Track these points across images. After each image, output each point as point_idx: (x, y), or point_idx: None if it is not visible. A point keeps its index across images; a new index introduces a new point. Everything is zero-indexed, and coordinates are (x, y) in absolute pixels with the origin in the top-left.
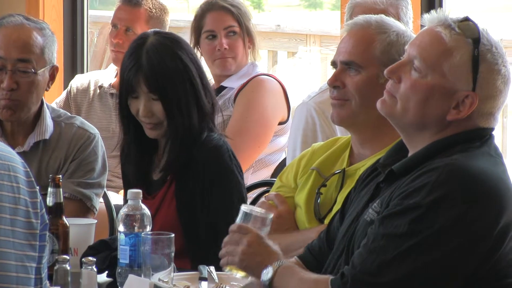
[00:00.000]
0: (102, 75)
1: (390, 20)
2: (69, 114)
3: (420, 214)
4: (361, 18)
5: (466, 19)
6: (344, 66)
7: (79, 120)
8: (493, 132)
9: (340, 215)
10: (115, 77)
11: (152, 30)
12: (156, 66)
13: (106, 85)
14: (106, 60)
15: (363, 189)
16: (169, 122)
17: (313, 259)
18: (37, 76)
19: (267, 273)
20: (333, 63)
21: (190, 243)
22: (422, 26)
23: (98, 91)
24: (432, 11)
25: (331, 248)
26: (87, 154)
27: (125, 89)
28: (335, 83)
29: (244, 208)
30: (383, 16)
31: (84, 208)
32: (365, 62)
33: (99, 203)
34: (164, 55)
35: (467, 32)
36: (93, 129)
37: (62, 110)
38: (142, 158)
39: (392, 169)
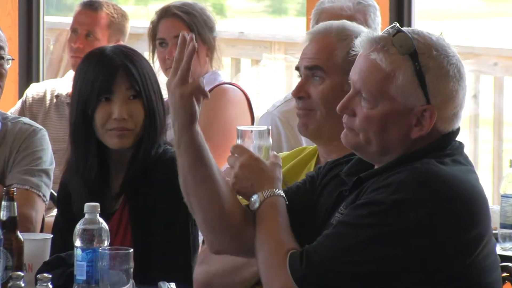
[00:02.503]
0: (58, 83)
1: (352, 26)
2: (17, 116)
3: (382, 209)
4: (322, 25)
5: (397, 30)
6: (307, 72)
7: (26, 119)
8: (464, 142)
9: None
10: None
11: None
12: (134, 61)
13: (63, 94)
14: (62, 68)
15: (322, 192)
16: (147, 125)
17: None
18: None
19: (254, 203)
20: (297, 69)
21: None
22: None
23: (55, 100)
24: (362, 34)
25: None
26: (33, 144)
27: (93, 94)
28: (300, 93)
29: (239, 127)
30: (345, 21)
31: (32, 197)
32: (329, 69)
33: (49, 193)
34: (134, 53)
35: (402, 48)
36: (40, 126)
37: (9, 114)
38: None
39: (360, 177)
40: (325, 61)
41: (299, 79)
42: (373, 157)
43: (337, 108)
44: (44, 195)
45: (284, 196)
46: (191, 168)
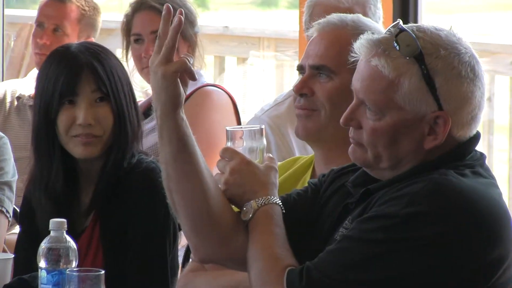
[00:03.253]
0: (20, 84)
1: (368, 20)
2: None
3: (394, 223)
4: (335, 16)
5: (399, 30)
6: (313, 71)
7: None
8: (482, 151)
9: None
10: None
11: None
12: (101, 60)
13: (25, 96)
14: (24, 67)
15: (326, 203)
16: (117, 131)
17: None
18: None
19: (246, 212)
20: (301, 68)
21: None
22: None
23: (16, 103)
24: (361, 36)
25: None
26: None
27: (56, 95)
28: (303, 90)
29: (229, 128)
30: (359, 15)
31: None
32: (338, 67)
33: (12, 208)
34: (102, 51)
35: (405, 50)
36: (1, 134)
37: None
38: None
39: (369, 188)
40: (334, 59)
41: (299, 77)
42: (384, 174)
43: (341, 120)
44: (7, 211)
45: (281, 204)
46: (174, 160)
